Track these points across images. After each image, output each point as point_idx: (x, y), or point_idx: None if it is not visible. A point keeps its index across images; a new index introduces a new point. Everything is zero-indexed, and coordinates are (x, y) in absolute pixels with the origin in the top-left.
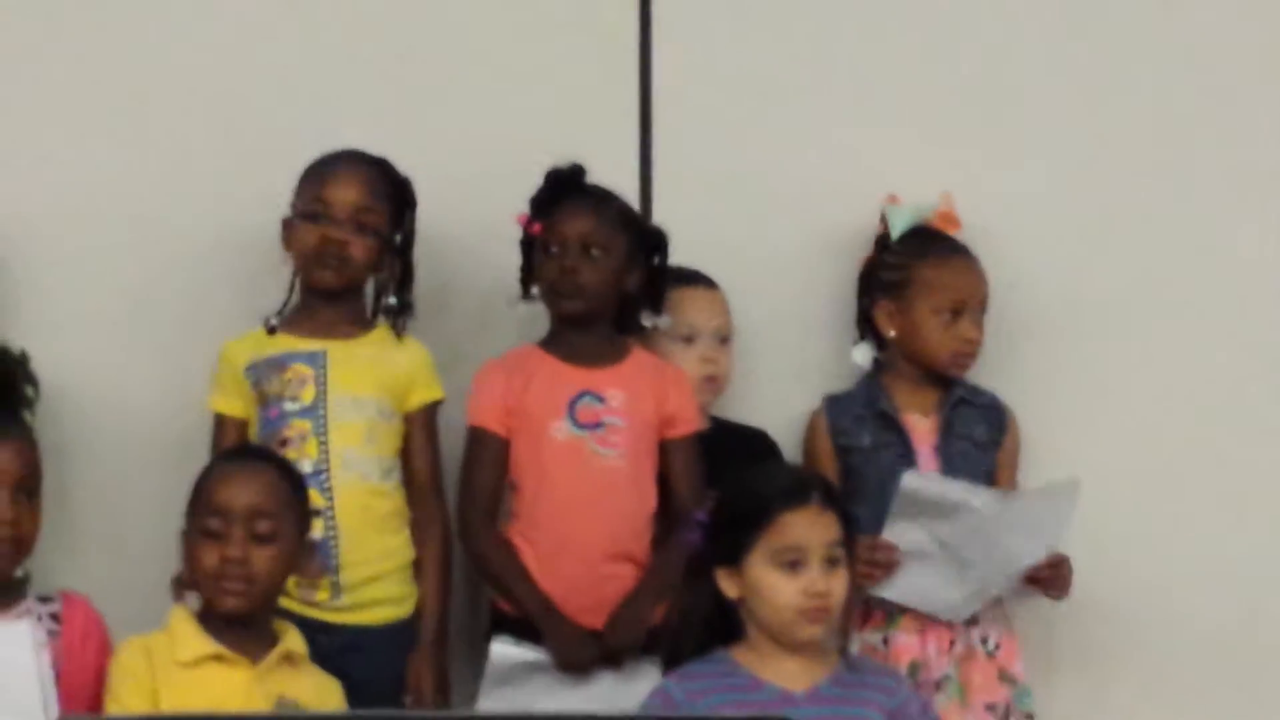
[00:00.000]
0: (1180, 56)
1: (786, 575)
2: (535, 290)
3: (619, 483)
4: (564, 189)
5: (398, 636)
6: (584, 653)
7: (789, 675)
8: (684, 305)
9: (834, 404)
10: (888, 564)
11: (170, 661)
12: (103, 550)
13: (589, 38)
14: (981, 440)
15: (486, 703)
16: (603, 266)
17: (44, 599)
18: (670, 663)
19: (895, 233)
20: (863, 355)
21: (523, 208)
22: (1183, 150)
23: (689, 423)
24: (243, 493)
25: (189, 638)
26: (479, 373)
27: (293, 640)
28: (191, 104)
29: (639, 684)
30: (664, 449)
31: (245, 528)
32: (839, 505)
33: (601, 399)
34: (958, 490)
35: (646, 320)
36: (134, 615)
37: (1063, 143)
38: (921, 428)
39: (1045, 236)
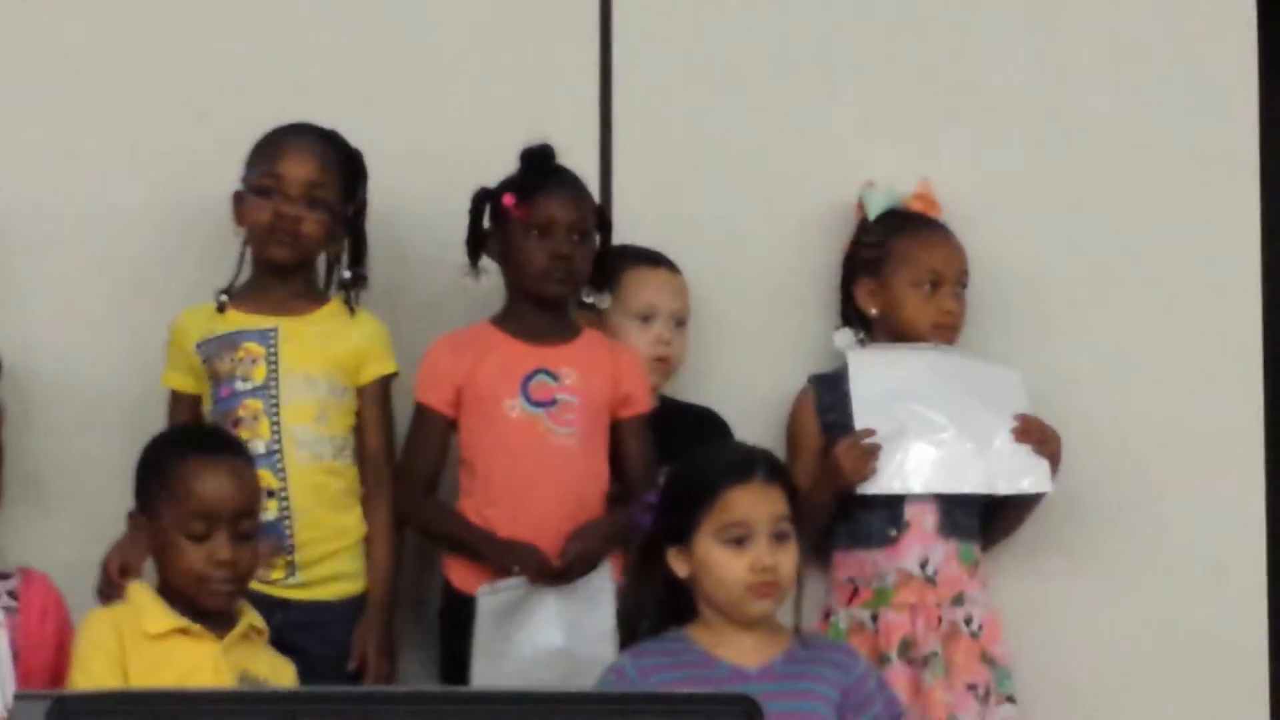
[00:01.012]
0: (1148, 39)
1: (734, 551)
2: (482, 263)
3: (572, 460)
4: (543, 171)
5: (353, 611)
6: (533, 557)
7: (742, 652)
8: (644, 285)
9: (820, 383)
10: (870, 450)
11: (138, 633)
12: (64, 525)
13: (550, 15)
14: None
15: (482, 652)
16: (588, 251)
17: (2, 575)
18: (625, 644)
19: (872, 214)
20: (844, 339)
21: (481, 181)
22: (1150, 132)
23: (641, 403)
24: (227, 493)
25: (155, 611)
26: (428, 350)
27: (253, 616)
28: (145, 77)
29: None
30: (615, 428)
31: (231, 528)
32: (785, 479)
33: (555, 376)
34: (902, 353)
35: (589, 298)
36: (93, 589)
37: (1035, 124)
38: None
39: (1018, 219)
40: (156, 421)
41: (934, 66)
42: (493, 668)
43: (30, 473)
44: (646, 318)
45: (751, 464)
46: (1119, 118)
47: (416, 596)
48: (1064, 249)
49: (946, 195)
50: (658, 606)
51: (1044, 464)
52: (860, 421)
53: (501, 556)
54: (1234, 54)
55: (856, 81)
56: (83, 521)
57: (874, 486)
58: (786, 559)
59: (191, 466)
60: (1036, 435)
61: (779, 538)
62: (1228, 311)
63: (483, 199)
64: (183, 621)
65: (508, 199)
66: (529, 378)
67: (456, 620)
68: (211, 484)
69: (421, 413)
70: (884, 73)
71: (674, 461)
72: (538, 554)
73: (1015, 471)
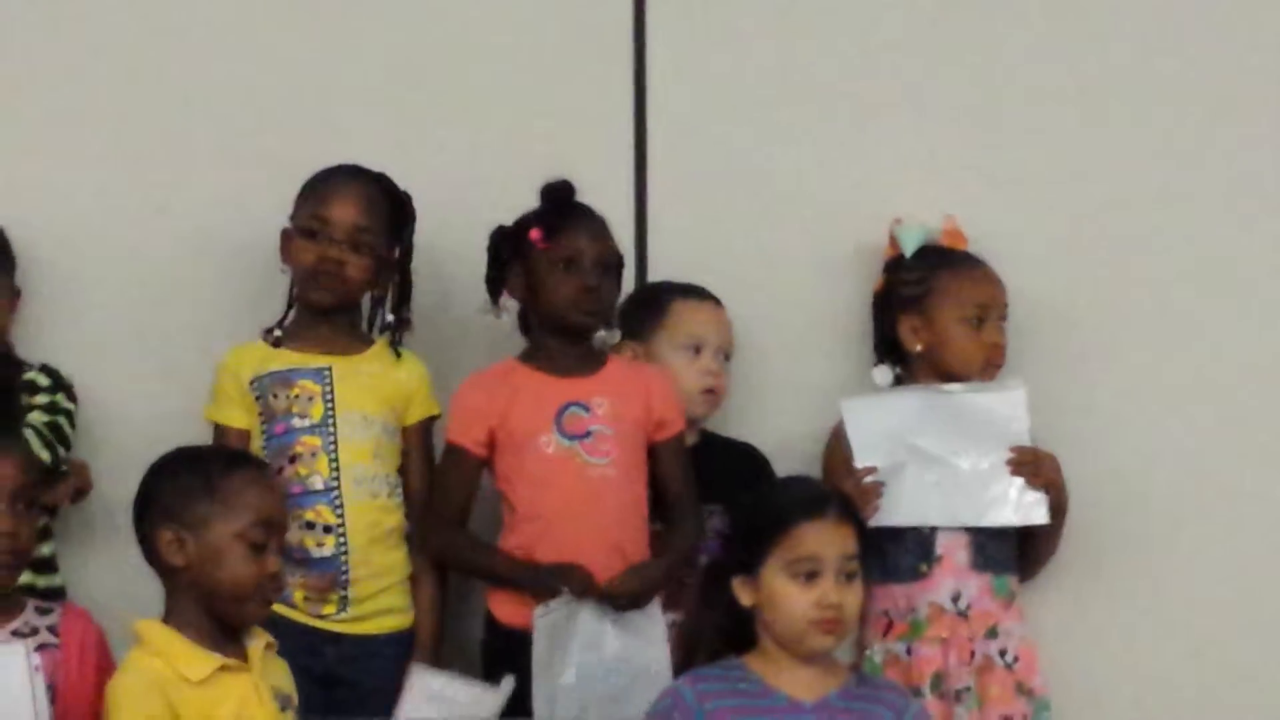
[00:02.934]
0: (1177, 77)
1: (801, 586)
2: (504, 301)
3: (612, 490)
4: (566, 205)
5: (402, 645)
6: (578, 574)
7: (799, 685)
8: (692, 317)
9: None
10: (873, 487)
11: (180, 683)
12: (109, 560)
13: (584, 53)
14: None
15: (541, 672)
16: (614, 283)
17: (43, 611)
18: (683, 669)
19: (908, 250)
20: (882, 376)
21: (509, 220)
22: (1180, 167)
23: (675, 423)
24: (280, 506)
25: (191, 655)
26: (459, 390)
27: (260, 630)
28: (192, 114)
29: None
30: (652, 452)
31: (279, 542)
32: (855, 519)
33: (587, 408)
34: (898, 395)
35: (602, 333)
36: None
37: (1062, 160)
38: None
39: (1045, 253)
40: None
41: (962, 101)
42: (552, 686)
43: (74, 508)
44: (695, 349)
45: (825, 500)
46: (1146, 152)
47: (460, 630)
48: (1088, 286)
49: (977, 229)
50: (718, 633)
51: (1040, 496)
52: (860, 461)
53: (546, 579)
54: (1267, 86)
55: (886, 116)
56: (124, 556)
57: (874, 521)
58: (852, 597)
59: (249, 478)
60: (1030, 467)
61: (847, 576)
62: (1261, 339)
63: (503, 236)
64: (222, 660)
65: (534, 233)
66: (561, 411)
67: (499, 652)
68: (271, 495)
69: (453, 452)
70: (913, 107)
71: (717, 494)
72: (583, 571)
73: (1010, 504)
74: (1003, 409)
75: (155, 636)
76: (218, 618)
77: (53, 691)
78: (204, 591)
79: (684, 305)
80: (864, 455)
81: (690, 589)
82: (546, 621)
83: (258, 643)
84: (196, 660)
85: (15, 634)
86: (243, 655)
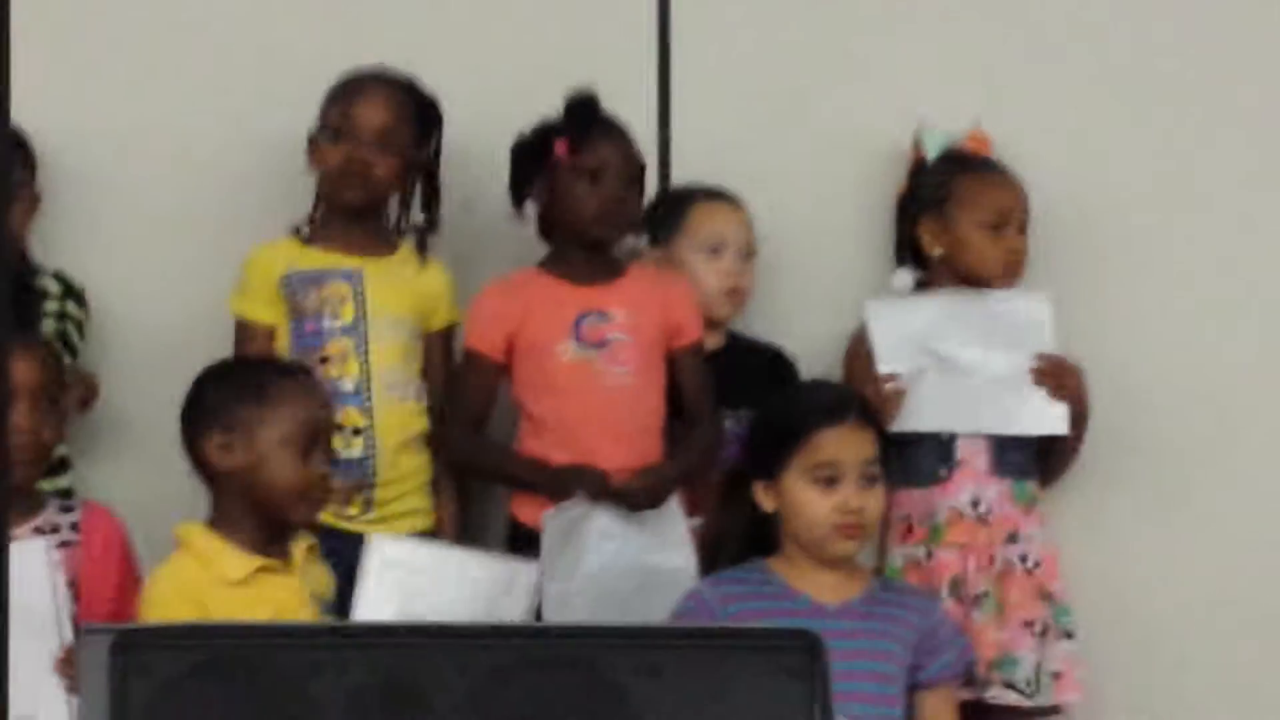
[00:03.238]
0: None
1: (822, 491)
2: (528, 207)
3: (629, 399)
4: (590, 117)
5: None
6: (592, 475)
7: (823, 588)
8: (712, 218)
9: None
10: (895, 395)
11: (217, 582)
12: (135, 461)
13: None
14: None
15: (550, 575)
16: (638, 195)
17: (66, 509)
18: (707, 573)
19: (931, 154)
20: (902, 281)
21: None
22: (1214, 72)
23: (693, 332)
24: (326, 411)
25: (231, 556)
26: (478, 297)
27: (305, 534)
28: (217, 16)
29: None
30: (670, 359)
31: (327, 446)
32: (875, 423)
33: (606, 316)
34: (923, 300)
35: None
36: (165, 523)
37: (1090, 66)
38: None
39: (1069, 158)
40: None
41: (993, 6)
42: (564, 588)
43: (100, 409)
44: (715, 249)
45: (845, 405)
46: (1177, 58)
47: (483, 530)
48: (1115, 193)
49: (999, 136)
50: (741, 537)
51: (1061, 406)
52: (883, 365)
53: (560, 481)
54: None
55: (910, 20)
56: (156, 462)
57: (895, 426)
58: (873, 501)
59: (296, 382)
60: (1054, 377)
61: (868, 480)
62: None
63: (526, 145)
64: (263, 560)
65: (560, 146)
66: (579, 320)
67: (522, 553)
68: (317, 399)
69: (472, 358)
70: (939, 11)
71: (743, 398)
72: (596, 472)
73: (1031, 413)
74: (1028, 316)
75: (196, 538)
76: (265, 521)
77: (74, 588)
78: (253, 495)
79: (703, 207)
80: (887, 360)
81: (713, 493)
82: (556, 524)
83: (300, 545)
84: (237, 561)
85: (37, 530)
86: (286, 559)
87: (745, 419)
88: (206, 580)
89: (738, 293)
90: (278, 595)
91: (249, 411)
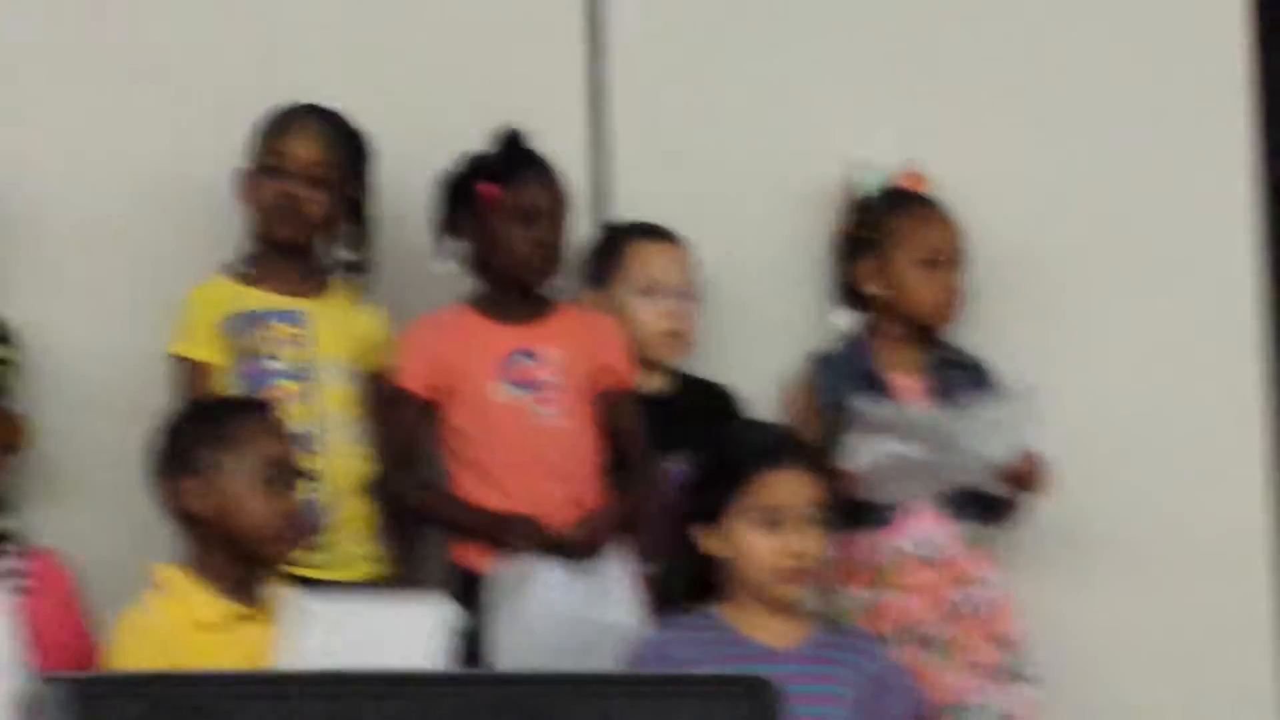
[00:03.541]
0: (1142, 14)
1: (766, 534)
2: (451, 247)
3: (563, 440)
4: (519, 155)
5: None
6: (529, 527)
7: (771, 633)
8: (648, 259)
9: (820, 363)
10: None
11: (186, 624)
12: (76, 506)
13: None
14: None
15: (498, 627)
16: (566, 234)
17: (13, 554)
18: (654, 619)
19: (866, 193)
20: (842, 320)
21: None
22: (1148, 105)
23: (624, 372)
24: (288, 445)
25: (206, 600)
26: (408, 333)
27: (283, 580)
28: (151, 55)
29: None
30: (601, 401)
31: (294, 481)
32: (818, 464)
33: (535, 357)
34: (913, 413)
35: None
36: (110, 569)
37: (1024, 102)
38: (908, 387)
39: (1005, 195)
40: (161, 395)
41: (922, 43)
42: (510, 640)
43: (37, 451)
44: (651, 292)
45: (788, 447)
46: (1110, 95)
47: (428, 578)
48: (1052, 229)
49: (933, 174)
50: (689, 582)
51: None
52: (848, 462)
53: (499, 532)
54: (1227, 31)
55: (846, 55)
56: (94, 504)
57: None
58: (817, 544)
59: (259, 420)
60: (1022, 479)
61: (811, 522)
62: (1224, 295)
63: (452, 183)
64: (240, 608)
65: (490, 188)
66: (508, 360)
67: (465, 600)
68: (278, 434)
69: (399, 396)
70: (873, 48)
71: (695, 439)
72: (532, 522)
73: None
74: (1012, 416)
75: (173, 580)
76: (240, 563)
77: (34, 636)
78: (228, 537)
79: (640, 247)
80: (852, 457)
81: (658, 539)
82: (501, 576)
83: (275, 593)
84: (210, 605)
85: None
86: (261, 605)
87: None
88: (178, 623)
89: (678, 335)
90: (250, 642)
91: (214, 454)
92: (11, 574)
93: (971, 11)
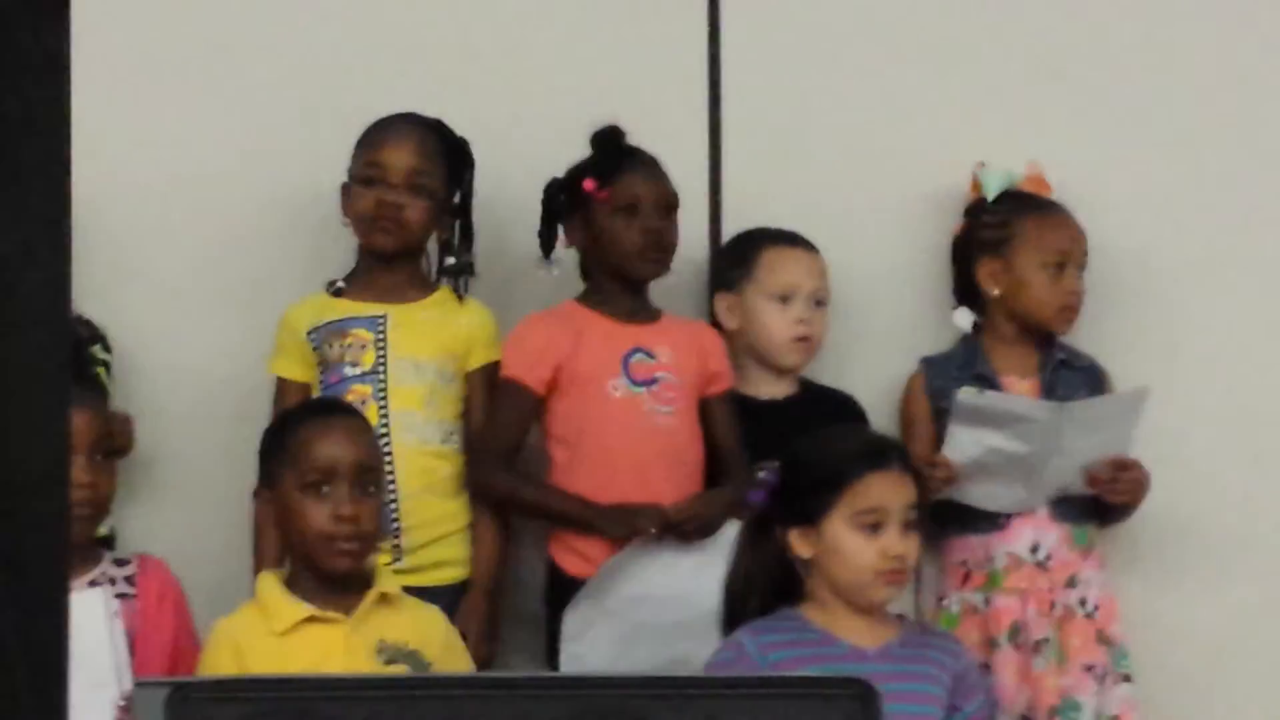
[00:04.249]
0: (1268, 15)
1: (866, 537)
2: (556, 255)
3: (676, 437)
4: (618, 151)
5: (458, 597)
6: (645, 518)
7: (860, 633)
8: (783, 265)
9: (932, 366)
10: (945, 479)
11: (265, 634)
12: (175, 512)
13: None
14: None
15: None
16: (675, 225)
17: (120, 562)
18: (732, 622)
19: (990, 194)
20: (963, 319)
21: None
22: (1269, 112)
23: (726, 380)
24: (343, 447)
25: (280, 607)
26: (520, 325)
27: (385, 580)
28: (256, 69)
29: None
30: (703, 406)
31: (351, 482)
32: (913, 468)
33: (652, 354)
34: (1017, 403)
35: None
36: (208, 575)
37: (1147, 105)
38: (1021, 390)
39: (1128, 201)
40: (265, 409)
41: (1044, 46)
42: (592, 609)
43: (142, 461)
44: (785, 298)
45: (889, 450)
46: (1233, 106)
47: (522, 581)
48: (1173, 233)
49: (1055, 177)
50: (768, 585)
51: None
52: (948, 451)
53: (622, 520)
54: None
55: (966, 61)
56: (193, 510)
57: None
58: (913, 547)
59: (308, 427)
60: (1109, 484)
61: (908, 525)
62: None
63: (557, 188)
64: (309, 610)
65: (588, 183)
66: (628, 356)
67: (561, 604)
68: (327, 439)
69: (510, 387)
70: (993, 52)
71: (796, 445)
72: (656, 508)
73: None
74: (1116, 416)
75: (260, 588)
76: (317, 570)
77: (131, 642)
78: (292, 548)
79: (774, 253)
80: (953, 448)
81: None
82: (608, 566)
83: (373, 593)
84: (283, 610)
85: (93, 584)
86: (347, 609)
87: None
88: (252, 630)
89: (808, 341)
90: (314, 649)
91: (275, 464)
92: (117, 580)
93: (1097, 17)
